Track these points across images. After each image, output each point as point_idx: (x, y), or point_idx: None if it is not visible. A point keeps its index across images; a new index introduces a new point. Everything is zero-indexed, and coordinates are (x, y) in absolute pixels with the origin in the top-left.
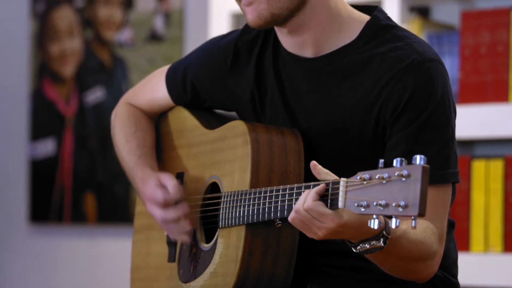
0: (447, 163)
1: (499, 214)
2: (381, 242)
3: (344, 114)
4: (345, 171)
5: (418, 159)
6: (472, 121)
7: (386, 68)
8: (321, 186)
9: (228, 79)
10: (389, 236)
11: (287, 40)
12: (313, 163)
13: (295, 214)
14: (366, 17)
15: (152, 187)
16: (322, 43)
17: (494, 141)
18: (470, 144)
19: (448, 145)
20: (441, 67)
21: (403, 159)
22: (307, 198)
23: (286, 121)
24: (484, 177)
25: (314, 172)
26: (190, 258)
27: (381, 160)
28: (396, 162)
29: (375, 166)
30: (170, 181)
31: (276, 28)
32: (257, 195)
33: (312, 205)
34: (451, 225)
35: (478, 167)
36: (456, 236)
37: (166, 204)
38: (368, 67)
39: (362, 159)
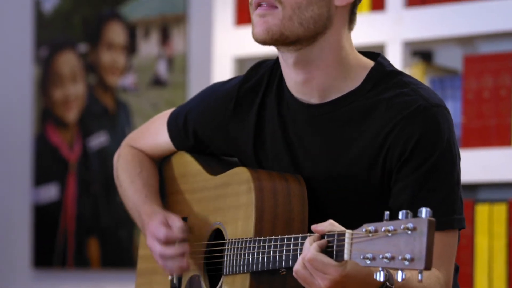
0: (453, 209)
1: (503, 258)
2: None
3: (350, 161)
4: (350, 217)
5: (424, 212)
6: (476, 165)
7: (392, 114)
8: (323, 241)
9: (230, 126)
10: (393, 287)
11: (292, 76)
12: (313, 227)
13: (298, 266)
14: (370, 63)
15: (157, 223)
16: (328, 88)
17: (498, 185)
18: (473, 188)
19: (454, 191)
20: (446, 113)
21: (408, 211)
22: (310, 249)
23: (289, 167)
24: (488, 221)
25: (316, 233)
26: None
27: (387, 212)
28: (401, 214)
29: (379, 213)
30: (176, 222)
31: (282, 60)
32: (261, 244)
33: (316, 256)
34: (455, 270)
35: (482, 211)
36: (460, 281)
37: (167, 242)
38: (373, 113)
39: (367, 206)
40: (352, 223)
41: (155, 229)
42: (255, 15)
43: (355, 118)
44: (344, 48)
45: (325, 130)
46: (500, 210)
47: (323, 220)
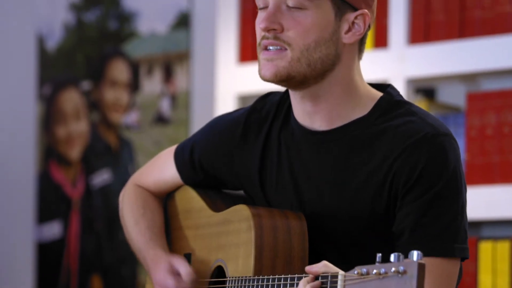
0: (455, 237)
1: None
2: None
3: (355, 187)
4: (351, 252)
5: (415, 255)
6: (479, 202)
7: (399, 141)
8: (317, 282)
9: (236, 154)
10: None
11: (299, 107)
12: (307, 268)
13: None
14: (379, 94)
15: (163, 272)
16: (335, 117)
17: (501, 222)
18: (477, 225)
19: (457, 219)
20: (453, 143)
21: (400, 254)
22: None
23: (293, 196)
24: (491, 258)
25: (311, 274)
26: None
27: (379, 255)
28: (393, 257)
29: (381, 250)
30: (183, 268)
31: (290, 92)
32: (259, 283)
33: None
34: None
35: (485, 249)
36: None
37: None
38: (380, 139)
39: (370, 240)
40: (353, 259)
41: (163, 280)
42: (263, 58)
43: (361, 145)
44: (353, 80)
45: (331, 156)
46: (504, 247)
47: (325, 256)
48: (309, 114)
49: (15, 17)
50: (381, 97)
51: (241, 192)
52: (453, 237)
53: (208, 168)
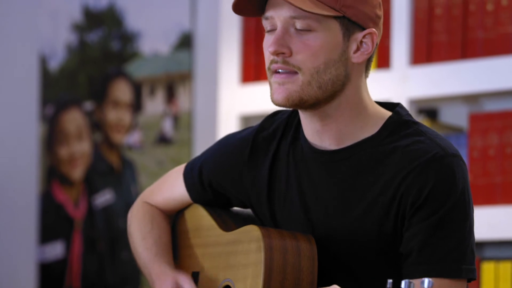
0: (463, 258)
1: None
2: None
3: (364, 207)
4: (360, 275)
5: (426, 282)
6: (481, 223)
7: (408, 161)
8: None
9: (244, 174)
10: None
11: (309, 125)
12: None
13: None
14: (388, 113)
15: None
16: (344, 136)
17: (504, 243)
18: (479, 246)
19: (465, 241)
20: (462, 164)
21: (411, 281)
22: None
23: (301, 216)
24: (494, 279)
25: None
26: None
27: (390, 281)
28: (404, 284)
29: (389, 274)
30: (188, 285)
31: (300, 111)
32: None
33: None
34: None
35: (488, 269)
36: None
37: None
38: (389, 159)
39: (378, 260)
40: (361, 280)
41: None
42: (273, 82)
43: (370, 164)
44: (362, 99)
45: (339, 176)
46: (506, 268)
47: (333, 277)
48: (318, 133)
49: (18, 37)
50: (390, 117)
51: (251, 211)
52: (460, 258)
53: (217, 187)
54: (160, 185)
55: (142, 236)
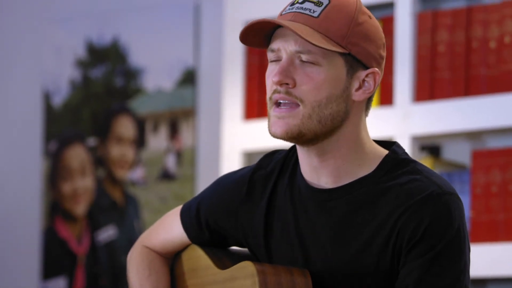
0: None
1: None
2: None
3: (361, 245)
4: None
5: None
6: (484, 260)
7: (404, 198)
8: None
9: (240, 213)
10: None
11: (306, 162)
12: None
13: None
14: (385, 151)
15: None
16: (342, 174)
17: (506, 280)
18: (482, 283)
19: (460, 279)
20: (458, 202)
21: None
22: None
23: (298, 256)
24: None
25: None
26: None
27: None
28: None
29: None
30: None
31: (298, 147)
32: None
33: None
34: None
35: None
36: None
37: None
38: (386, 197)
39: None
40: None
41: None
42: (273, 115)
43: (366, 203)
44: (360, 137)
45: (336, 214)
46: None
47: None
48: (315, 169)
49: (22, 73)
50: (387, 155)
51: (247, 250)
52: None
53: (214, 226)
54: (158, 228)
55: (140, 283)
